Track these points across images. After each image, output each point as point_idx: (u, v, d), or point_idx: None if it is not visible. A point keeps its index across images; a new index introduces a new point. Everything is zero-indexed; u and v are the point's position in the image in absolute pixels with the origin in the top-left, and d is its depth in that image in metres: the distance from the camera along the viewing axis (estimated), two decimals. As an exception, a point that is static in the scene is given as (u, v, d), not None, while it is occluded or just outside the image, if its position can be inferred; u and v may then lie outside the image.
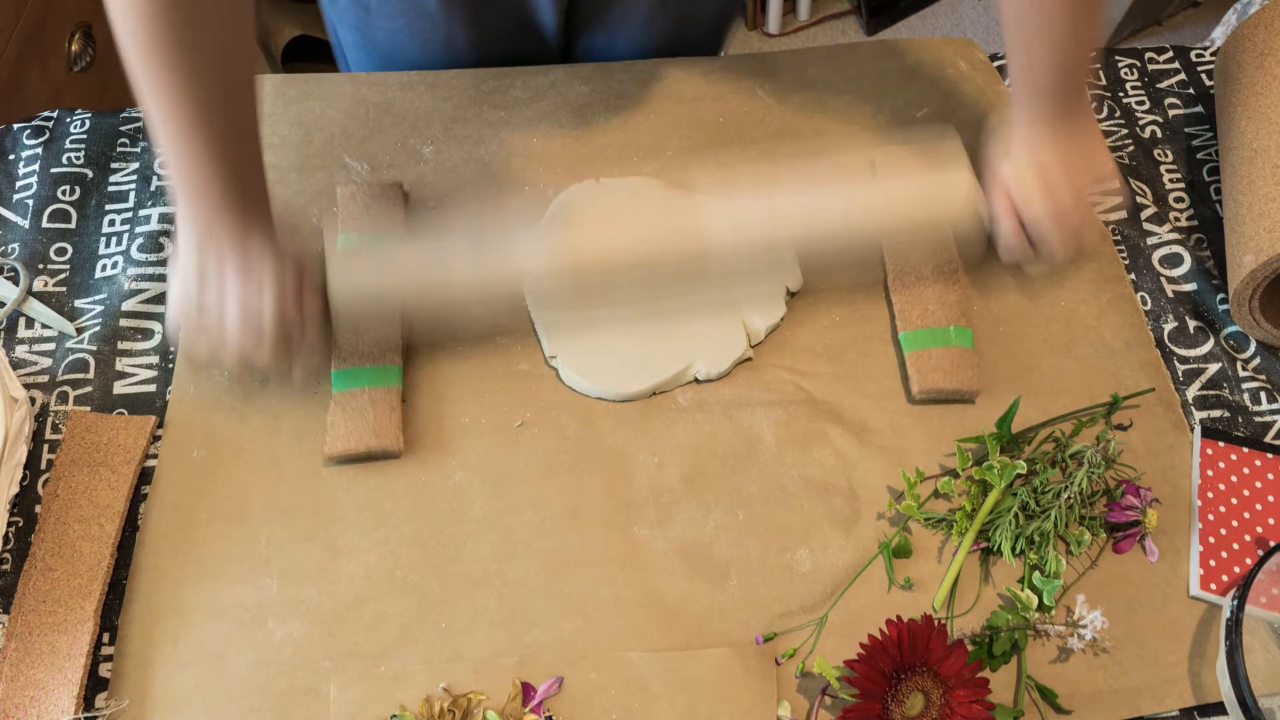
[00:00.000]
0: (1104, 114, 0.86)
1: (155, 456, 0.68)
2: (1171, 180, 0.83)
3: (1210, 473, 0.68)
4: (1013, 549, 0.64)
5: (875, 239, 0.75)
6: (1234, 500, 0.67)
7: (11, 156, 0.80)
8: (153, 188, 0.79)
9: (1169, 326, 0.75)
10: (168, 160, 0.59)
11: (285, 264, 0.62)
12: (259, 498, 0.66)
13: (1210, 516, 0.67)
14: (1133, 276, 0.77)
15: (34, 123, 0.81)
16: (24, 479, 0.67)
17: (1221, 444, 0.69)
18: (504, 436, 0.69)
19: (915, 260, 0.75)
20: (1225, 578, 0.64)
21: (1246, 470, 0.68)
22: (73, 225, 0.77)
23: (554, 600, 0.64)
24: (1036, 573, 0.64)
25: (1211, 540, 0.66)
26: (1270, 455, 0.69)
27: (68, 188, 0.78)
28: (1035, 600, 0.62)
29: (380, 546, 0.65)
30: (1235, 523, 0.66)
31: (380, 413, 0.68)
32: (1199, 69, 0.89)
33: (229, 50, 0.57)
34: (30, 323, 0.73)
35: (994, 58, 0.89)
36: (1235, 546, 0.66)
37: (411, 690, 0.60)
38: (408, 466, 0.68)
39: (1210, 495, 0.67)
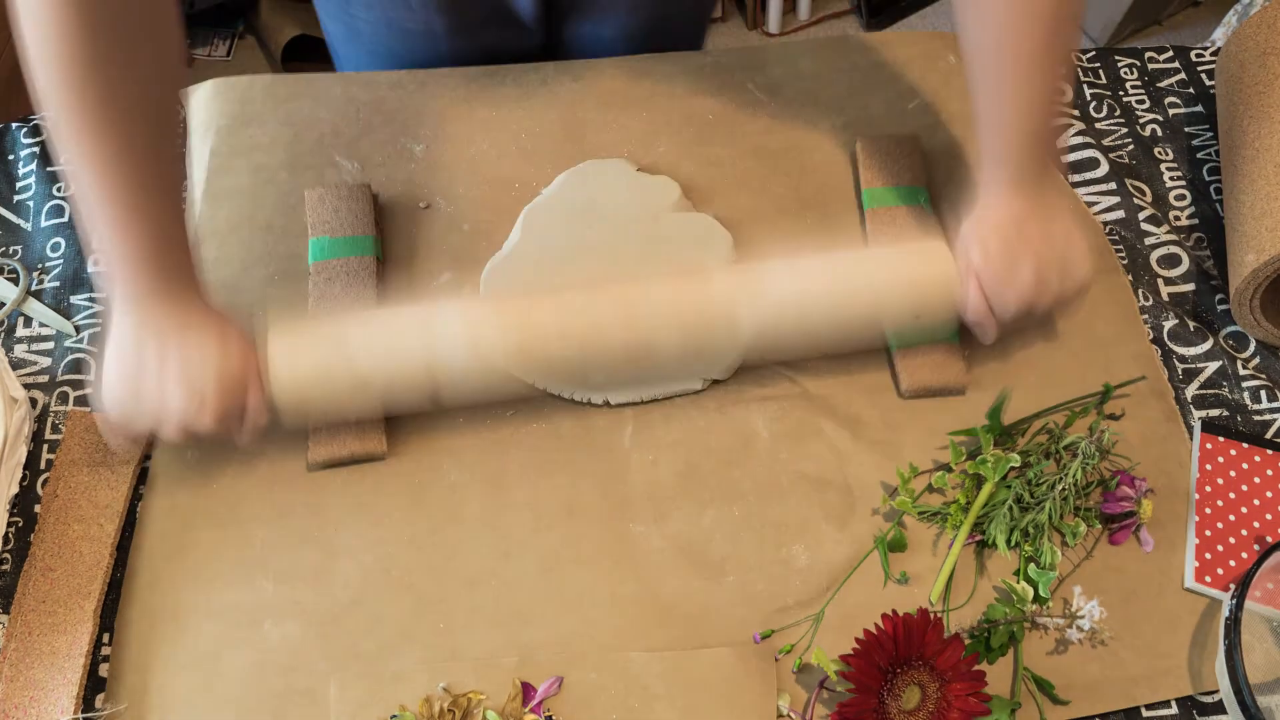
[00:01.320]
0: (1104, 113, 0.86)
1: (150, 458, 0.68)
2: (1172, 179, 0.82)
3: (1209, 467, 0.68)
4: (1007, 541, 0.64)
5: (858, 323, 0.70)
6: (1232, 495, 0.67)
7: (11, 156, 0.80)
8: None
9: (1168, 325, 0.75)
10: (101, 243, 0.57)
11: (228, 343, 0.61)
12: (254, 500, 0.66)
13: (1207, 510, 0.67)
14: (1130, 277, 0.77)
15: (32, 122, 0.81)
16: (24, 479, 0.67)
17: (1222, 439, 0.69)
18: (498, 435, 0.69)
19: None
20: (1220, 571, 0.64)
21: (1246, 465, 0.68)
22: (67, 220, 0.77)
23: (550, 598, 0.64)
24: (1031, 564, 0.64)
25: (1208, 533, 0.66)
26: (1270, 452, 0.69)
27: (64, 184, 0.78)
28: (1031, 592, 0.62)
29: (376, 547, 0.65)
30: (1233, 517, 0.66)
31: (362, 417, 0.67)
32: (1199, 69, 0.89)
33: (157, 105, 0.55)
34: (30, 322, 0.73)
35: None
36: (1232, 540, 0.66)
37: (411, 690, 0.60)
38: (403, 467, 0.68)
39: (1208, 489, 0.67)
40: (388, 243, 0.76)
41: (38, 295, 0.74)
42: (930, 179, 0.79)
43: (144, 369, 0.59)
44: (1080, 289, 0.67)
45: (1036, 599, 0.63)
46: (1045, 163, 0.66)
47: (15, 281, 0.74)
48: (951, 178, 0.80)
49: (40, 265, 0.75)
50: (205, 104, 0.82)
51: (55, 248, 0.76)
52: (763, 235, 0.77)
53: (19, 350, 0.71)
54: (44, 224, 0.77)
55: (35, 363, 0.71)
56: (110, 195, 0.55)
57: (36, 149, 0.80)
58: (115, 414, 0.61)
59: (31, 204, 0.78)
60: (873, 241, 0.76)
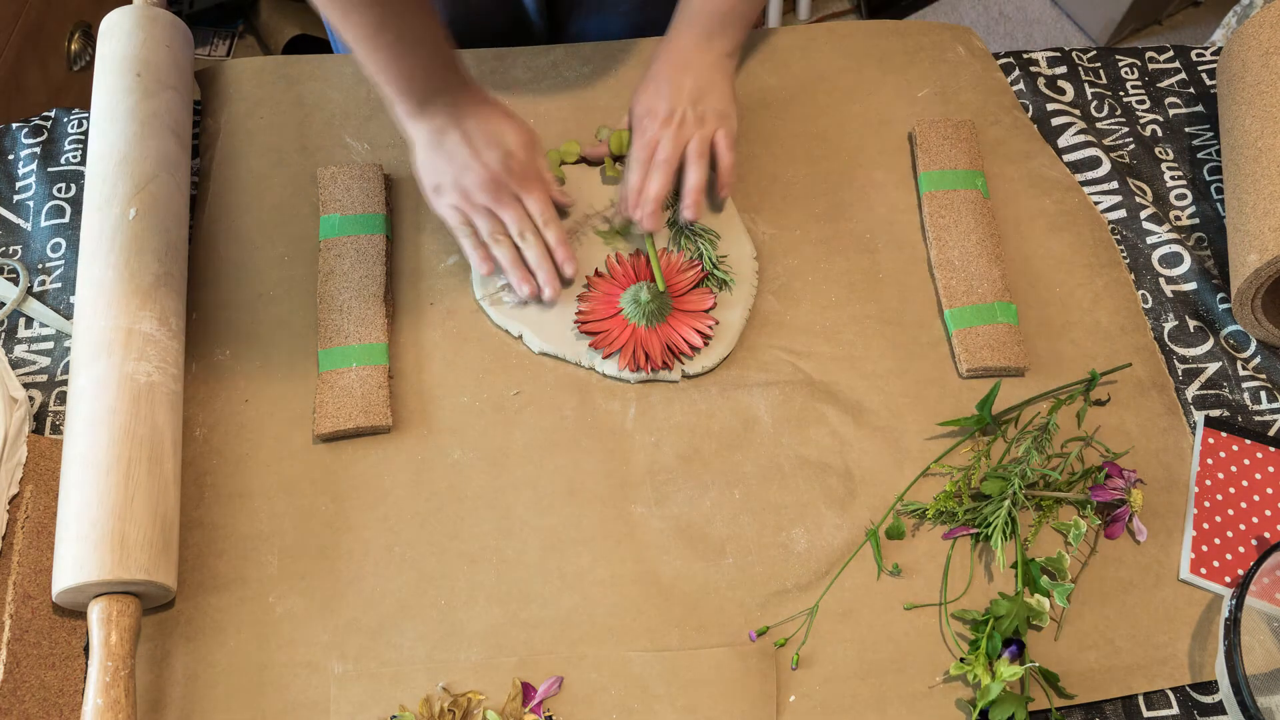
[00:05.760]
0: (1105, 112, 0.86)
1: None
2: (1173, 178, 0.83)
3: (1210, 461, 0.69)
4: (1004, 535, 0.65)
5: None
6: (1231, 490, 0.68)
7: (11, 157, 0.80)
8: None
9: (1169, 325, 0.75)
10: (387, 80, 0.68)
11: (512, 118, 0.73)
12: (260, 476, 0.67)
13: (1206, 503, 0.67)
14: (1132, 276, 0.77)
15: (33, 123, 0.82)
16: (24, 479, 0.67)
17: (1224, 434, 0.69)
18: (502, 415, 0.69)
19: (959, 235, 0.76)
20: (1216, 564, 0.65)
21: (1247, 461, 0.68)
22: (67, 220, 0.77)
23: (551, 577, 0.64)
24: (1045, 577, 0.64)
25: (1205, 526, 0.66)
26: (1272, 449, 0.69)
27: (64, 185, 0.78)
28: (1046, 604, 0.63)
29: (379, 523, 0.65)
30: (1231, 511, 0.67)
31: (368, 390, 0.68)
32: (1199, 69, 0.89)
33: None
34: (30, 322, 0.73)
35: (996, 56, 0.89)
36: (1229, 534, 0.66)
37: (411, 690, 0.60)
38: (406, 444, 0.68)
39: (1208, 483, 0.68)
40: (396, 223, 0.77)
41: (38, 295, 0.74)
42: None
43: (453, 150, 0.70)
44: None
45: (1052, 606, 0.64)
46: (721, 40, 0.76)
47: (15, 282, 0.74)
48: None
49: (40, 265, 0.75)
50: (217, 85, 0.82)
51: (55, 248, 0.76)
52: (771, 221, 0.78)
53: (19, 350, 0.72)
54: (44, 224, 0.77)
55: (35, 362, 0.71)
56: (386, 41, 0.66)
57: (37, 149, 0.80)
58: (443, 204, 0.72)
59: (31, 204, 0.78)
60: (931, 225, 0.77)
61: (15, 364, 0.71)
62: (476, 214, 0.71)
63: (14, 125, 0.82)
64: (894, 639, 0.63)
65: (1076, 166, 0.82)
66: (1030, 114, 0.85)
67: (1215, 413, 0.72)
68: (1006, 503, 0.65)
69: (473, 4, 0.74)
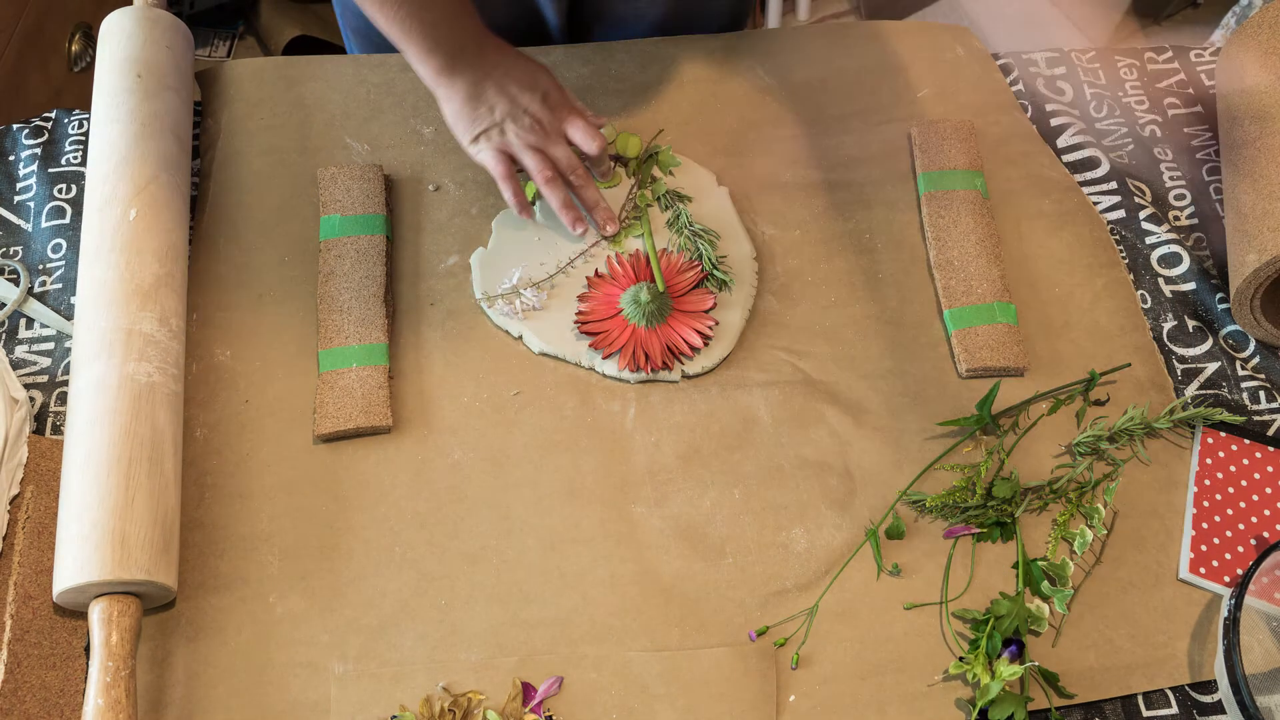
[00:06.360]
0: (1104, 113, 0.86)
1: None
2: (1172, 179, 0.83)
3: (1209, 461, 0.69)
4: (1005, 536, 0.65)
5: None
6: (1230, 489, 0.68)
7: (11, 158, 0.80)
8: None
9: (1168, 325, 0.75)
10: (418, 46, 0.69)
11: (536, 63, 0.74)
12: (260, 476, 0.67)
13: (1205, 503, 0.67)
14: (1131, 276, 0.77)
15: (33, 123, 0.82)
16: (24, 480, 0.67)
17: (1223, 434, 0.70)
18: (502, 415, 0.69)
19: (959, 235, 0.76)
20: (1215, 563, 0.65)
21: (1246, 461, 0.69)
22: (68, 221, 0.77)
23: (551, 577, 0.64)
24: (1046, 582, 0.64)
25: (1205, 526, 0.66)
26: (1271, 449, 0.69)
27: (64, 185, 0.78)
28: (1046, 610, 0.63)
29: (379, 524, 0.65)
30: (1230, 511, 0.67)
31: (368, 390, 0.68)
32: (1198, 69, 0.89)
33: None
34: (30, 323, 0.73)
35: (995, 56, 0.89)
36: (1228, 534, 0.66)
37: (411, 690, 0.60)
38: (407, 444, 0.68)
39: (1207, 483, 0.68)
40: (396, 224, 0.77)
41: (39, 296, 0.74)
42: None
43: (493, 98, 0.71)
44: None
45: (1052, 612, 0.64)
46: None
47: (16, 282, 0.74)
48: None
49: (41, 266, 0.75)
50: (218, 86, 0.83)
51: (56, 249, 0.76)
52: (771, 221, 0.78)
53: (19, 351, 0.72)
54: (44, 225, 0.77)
55: (35, 363, 0.71)
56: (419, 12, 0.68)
57: (38, 150, 0.80)
58: (486, 152, 0.73)
59: (32, 205, 0.78)
60: (930, 225, 0.77)
61: (16, 364, 0.71)
62: (526, 154, 0.72)
63: (15, 126, 0.82)
64: (894, 639, 0.63)
65: (1076, 167, 0.82)
66: (1030, 114, 0.85)
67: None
68: (1010, 504, 0.65)
69: (492, 16, 0.75)
